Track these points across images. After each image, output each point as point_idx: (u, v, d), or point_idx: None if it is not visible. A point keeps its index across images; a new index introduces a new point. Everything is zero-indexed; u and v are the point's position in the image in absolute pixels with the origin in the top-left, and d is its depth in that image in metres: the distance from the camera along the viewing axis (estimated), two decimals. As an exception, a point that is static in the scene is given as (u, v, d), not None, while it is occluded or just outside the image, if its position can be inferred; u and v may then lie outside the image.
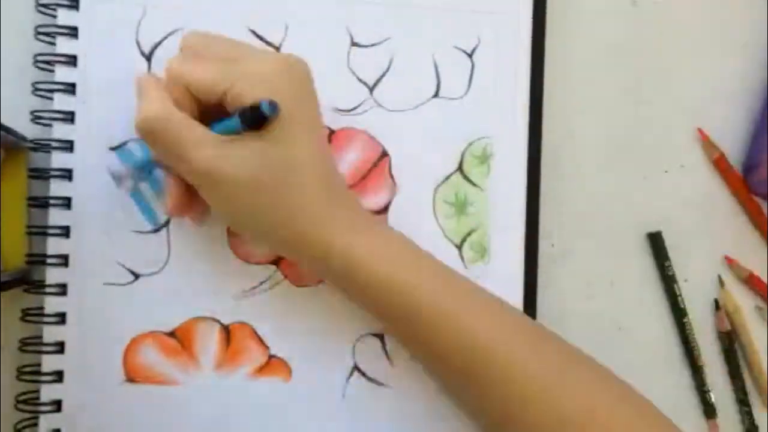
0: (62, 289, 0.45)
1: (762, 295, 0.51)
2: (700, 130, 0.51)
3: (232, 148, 0.39)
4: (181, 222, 0.46)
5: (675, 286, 0.51)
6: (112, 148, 0.46)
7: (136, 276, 0.46)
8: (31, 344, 0.45)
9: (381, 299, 0.41)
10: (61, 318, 0.45)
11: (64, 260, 0.45)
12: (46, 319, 0.45)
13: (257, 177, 0.39)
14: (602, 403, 0.40)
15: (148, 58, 0.46)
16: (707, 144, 0.51)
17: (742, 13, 0.52)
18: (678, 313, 0.51)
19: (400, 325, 0.42)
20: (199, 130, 0.39)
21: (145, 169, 0.44)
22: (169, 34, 0.46)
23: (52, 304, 0.45)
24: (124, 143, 0.46)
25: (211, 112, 0.41)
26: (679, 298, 0.51)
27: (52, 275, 0.45)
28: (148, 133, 0.40)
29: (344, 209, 0.42)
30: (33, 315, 0.45)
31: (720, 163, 0.51)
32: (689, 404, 0.51)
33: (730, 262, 0.51)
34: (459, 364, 0.41)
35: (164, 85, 0.41)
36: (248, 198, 0.39)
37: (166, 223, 0.46)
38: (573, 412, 0.39)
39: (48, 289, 0.45)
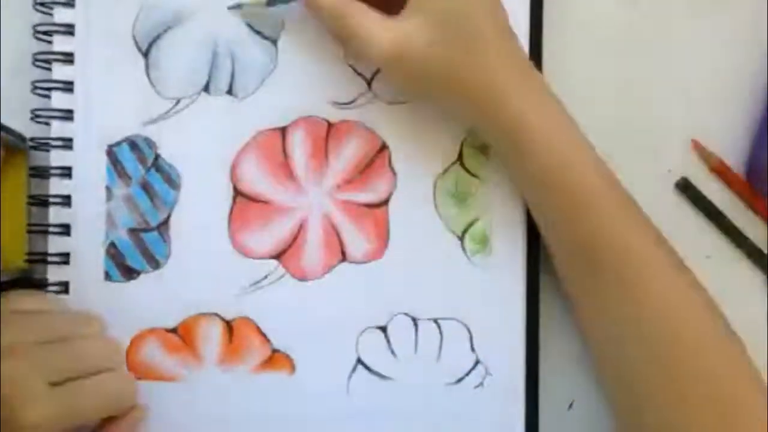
0: (64, 287, 0.45)
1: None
2: (694, 141, 0.50)
3: (409, 26, 0.41)
4: (181, 218, 0.46)
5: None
6: (111, 145, 0.46)
7: (137, 273, 0.46)
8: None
9: (546, 172, 0.42)
10: (63, 316, 0.45)
11: (65, 258, 0.45)
12: (48, 318, 0.45)
13: (439, 49, 0.41)
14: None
15: (145, 54, 0.46)
16: (705, 153, 0.50)
17: (742, 13, 0.51)
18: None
19: (555, 203, 0.43)
20: (371, 14, 0.41)
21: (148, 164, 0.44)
22: (166, 30, 0.46)
23: (53, 303, 0.45)
24: (124, 140, 0.46)
25: None
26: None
27: (54, 273, 0.45)
28: (329, 24, 0.43)
29: (519, 72, 0.42)
30: (35, 314, 0.45)
31: (720, 170, 0.50)
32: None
33: None
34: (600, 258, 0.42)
35: None
36: (434, 71, 0.41)
37: (167, 220, 0.46)
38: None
39: (49, 288, 0.45)
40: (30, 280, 0.45)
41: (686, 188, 0.50)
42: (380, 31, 0.41)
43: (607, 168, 0.43)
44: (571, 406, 0.49)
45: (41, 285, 0.45)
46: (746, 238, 0.50)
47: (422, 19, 0.41)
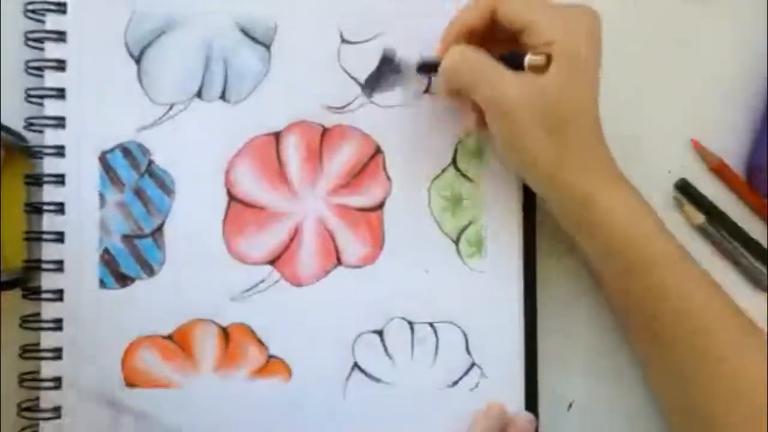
0: (58, 295, 0.45)
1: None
2: (694, 141, 0.50)
3: (522, 84, 0.42)
4: (175, 224, 0.46)
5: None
6: (104, 152, 0.46)
7: (132, 280, 0.46)
8: (30, 351, 0.45)
9: (616, 249, 0.44)
10: (57, 324, 0.45)
11: (59, 266, 0.45)
12: (43, 325, 0.45)
13: (541, 113, 0.42)
14: None
15: (138, 60, 0.46)
16: (705, 153, 0.50)
17: (742, 13, 0.51)
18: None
19: (623, 277, 0.45)
20: (490, 63, 0.43)
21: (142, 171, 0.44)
22: (158, 36, 0.46)
23: (48, 310, 0.45)
24: (116, 146, 0.46)
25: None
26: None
27: (48, 281, 0.45)
28: (451, 71, 0.43)
29: (602, 159, 0.44)
30: (31, 321, 0.45)
31: (720, 170, 0.50)
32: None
33: None
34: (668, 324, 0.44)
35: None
36: (527, 130, 0.42)
37: (161, 226, 0.46)
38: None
39: (44, 295, 0.45)
40: (28, 285, 0.46)
41: (686, 188, 0.50)
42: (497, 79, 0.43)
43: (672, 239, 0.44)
44: (570, 406, 0.49)
45: (37, 292, 0.45)
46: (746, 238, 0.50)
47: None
